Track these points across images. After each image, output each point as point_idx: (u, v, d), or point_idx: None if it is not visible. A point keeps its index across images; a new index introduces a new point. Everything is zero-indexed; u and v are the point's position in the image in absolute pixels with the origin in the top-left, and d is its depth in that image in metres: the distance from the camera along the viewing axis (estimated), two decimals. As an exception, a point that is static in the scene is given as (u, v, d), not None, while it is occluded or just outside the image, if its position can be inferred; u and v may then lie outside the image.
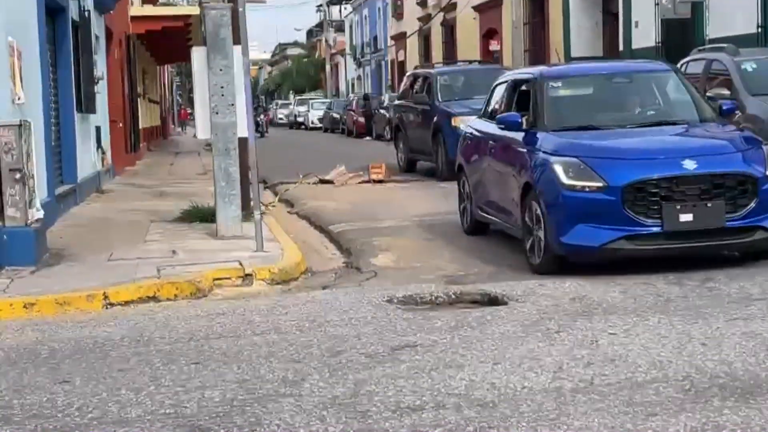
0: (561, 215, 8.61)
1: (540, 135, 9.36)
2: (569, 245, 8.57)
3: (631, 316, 6.90)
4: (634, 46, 24.38)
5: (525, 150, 9.40)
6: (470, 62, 25.80)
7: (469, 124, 12.18)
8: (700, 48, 16.17)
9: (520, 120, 9.75)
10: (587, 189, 8.51)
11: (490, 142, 10.57)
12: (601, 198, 8.44)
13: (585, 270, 8.61)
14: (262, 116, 49.28)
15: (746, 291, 7.57)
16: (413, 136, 20.82)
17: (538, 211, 8.85)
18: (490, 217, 10.58)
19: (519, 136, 9.66)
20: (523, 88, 10.50)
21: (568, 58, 28.39)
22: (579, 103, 10.11)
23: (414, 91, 21.26)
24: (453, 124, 18.20)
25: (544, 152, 9.01)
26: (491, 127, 10.62)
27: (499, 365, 5.81)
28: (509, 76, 11.40)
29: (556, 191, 8.66)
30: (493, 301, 7.81)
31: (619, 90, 10.25)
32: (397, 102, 23.45)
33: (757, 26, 19.32)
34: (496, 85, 11.55)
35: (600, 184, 8.46)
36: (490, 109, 11.36)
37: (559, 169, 8.67)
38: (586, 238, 8.48)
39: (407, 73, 25.71)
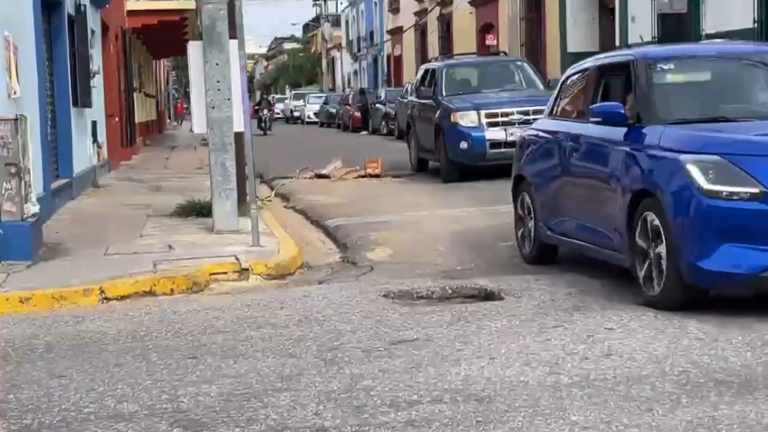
0: (699, 232, 6.70)
1: (652, 129, 7.40)
2: (711, 273, 6.66)
3: (627, 310, 6.90)
4: (630, 41, 24.36)
5: (631, 149, 7.46)
6: (496, 53, 24.05)
7: (533, 126, 10.10)
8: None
9: (623, 111, 7.73)
10: (737, 196, 6.60)
11: (569, 143, 8.56)
12: (757, 209, 6.56)
13: (579, 265, 8.62)
14: (266, 111, 44.46)
15: (742, 286, 7.57)
16: (421, 133, 19.39)
17: (660, 228, 6.94)
18: (569, 239, 8.59)
19: (619, 133, 7.69)
20: (613, 75, 8.58)
21: (565, 53, 28.39)
22: (697, 90, 8.13)
23: (425, 85, 19.94)
24: (452, 120, 17.24)
25: (665, 150, 7.09)
26: (569, 126, 8.79)
27: (496, 360, 5.81)
28: (588, 62, 9.18)
29: (692, 200, 6.71)
30: (489, 295, 7.81)
31: (744, 74, 8.32)
32: (410, 97, 22.26)
33: (754, 21, 19.30)
34: (568, 77, 9.45)
35: (755, 190, 6.57)
36: (561, 106, 9.37)
37: (695, 171, 6.73)
38: (735, 263, 6.61)
39: (421, 66, 23.56)
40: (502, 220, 11.99)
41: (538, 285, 7.93)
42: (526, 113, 16.42)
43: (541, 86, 18.53)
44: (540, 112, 16.83)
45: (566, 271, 8.43)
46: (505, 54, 24.78)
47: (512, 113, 16.86)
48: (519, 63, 20.14)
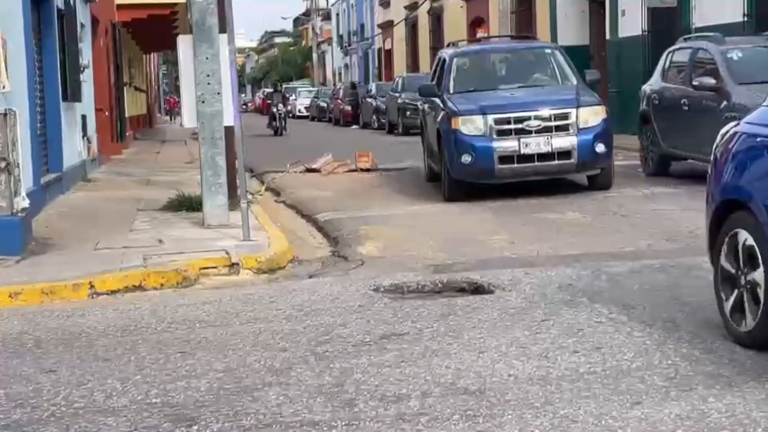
0: None
1: None
2: None
3: (617, 304, 6.91)
4: (620, 35, 24.40)
5: None
6: (525, 38, 20.53)
7: (750, 119, 6.14)
8: (686, 37, 16.18)
9: None
10: None
11: None
12: None
13: (571, 259, 8.63)
14: (280, 106, 35.72)
15: (731, 279, 7.58)
16: (431, 137, 15.17)
17: None
18: None
19: None
20: None
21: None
22: None
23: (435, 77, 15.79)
24: (453, 126, 13.42)
25: None
26: None
27: (485, 354, 5.82)
28: None
29: None
30: (479, 289, 7.82)
31: None
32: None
33: (743, 15, 19.32)
34: None
35: None
36: None
37: None
38: None
39: (438, 53, 17.30)
40: (493, 215, 12.02)
41: (527, 279, 7.93)
42: (546, 118, 13.17)
43: (574, 80, 14.58)
44: (564, 116, 13.15)
45: (556, 265, 8.44)
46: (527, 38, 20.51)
47: (528, 118, 13.15)
48: (548, 50, 15.69)
